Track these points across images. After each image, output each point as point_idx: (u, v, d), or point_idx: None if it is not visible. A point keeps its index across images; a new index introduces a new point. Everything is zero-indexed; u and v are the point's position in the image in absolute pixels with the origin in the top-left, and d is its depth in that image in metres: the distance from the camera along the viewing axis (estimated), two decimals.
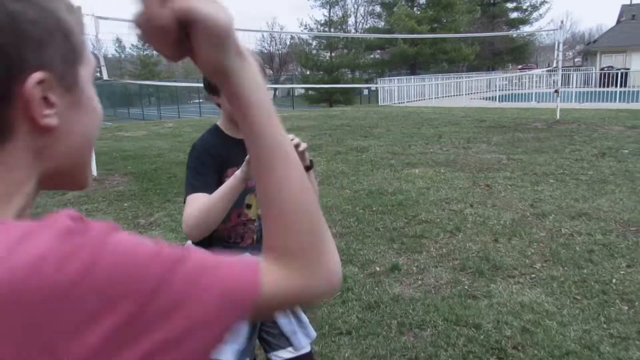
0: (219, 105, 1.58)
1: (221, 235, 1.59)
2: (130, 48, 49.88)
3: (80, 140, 0.52)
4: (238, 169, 1.41)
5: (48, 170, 0.50)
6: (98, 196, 5.75)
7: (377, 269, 3.50)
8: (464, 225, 4.38)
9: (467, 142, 9.00)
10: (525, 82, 23.14)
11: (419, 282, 3.28)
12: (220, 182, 1.47)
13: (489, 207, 4.93)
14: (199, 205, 1.42)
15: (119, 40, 47.53)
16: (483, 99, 22.09)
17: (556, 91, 11.33)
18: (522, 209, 4.82)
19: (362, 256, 3.74)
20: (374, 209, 4.99)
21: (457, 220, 4.51)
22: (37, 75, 0.45)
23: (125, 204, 5.42)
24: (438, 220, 4.55)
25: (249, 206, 1.60)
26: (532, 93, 19.17)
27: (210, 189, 1.44)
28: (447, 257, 3.68)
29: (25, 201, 0.49)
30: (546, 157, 7.19)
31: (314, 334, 1.72)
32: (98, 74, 7.57)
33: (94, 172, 6.72)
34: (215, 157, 1.54)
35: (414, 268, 3.49)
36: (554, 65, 11.29)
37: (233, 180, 1.40)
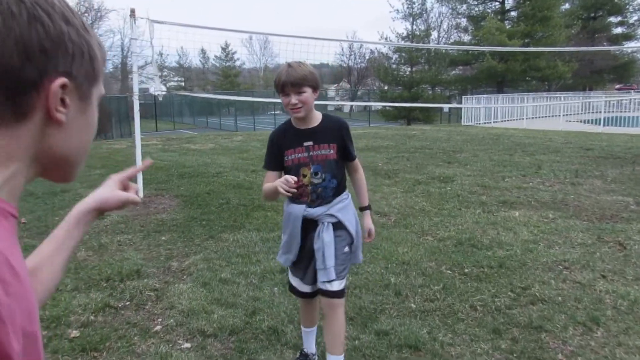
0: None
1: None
2: (213, 59, 51.35)
3: (77, 142, 0.66)
4: (293, 150, 2.27)
5: (44, 156, 0.63)
6: (137, 225, 4.98)
7: None
8: (602, 311, 3.08)
9: (575, 177, 7.47)
10: (625, 104, 20.64)
11: None
12: (282, 158, 2.30)
13: (630, 280, 3.57)
14: (264, 187, 2.30)
15: (203, 52, 48.98)
16: (581, 121, 19.82)
17: None
18: None
19: (454, 359, 2.57)
20: (466, 270, 3.79)
21: (587, 302, 3.21)
22: (63, 79, 0.60)
23: (163, 238, 4.60)
24: (559, 298, 3.27)
25: (304, 175, 2.27)
26: None
27: (270, 164, 2.34)
28: None
29: (15, 173, 0.61)
30: None
31: (332, 276, 2.25)
32: (163, 85, 6.99)
33: (140, 193, 6.02)
34: (276, 144, 2.33)
35: None
36: None
37: (270, 191, 2.24)
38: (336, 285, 2.27)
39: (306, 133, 2.27)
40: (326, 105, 31.66)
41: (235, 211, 5.46)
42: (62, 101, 0.60)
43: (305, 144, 2.26)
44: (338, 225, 2.30)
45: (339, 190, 2.33)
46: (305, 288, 2.43)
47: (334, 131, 2.30)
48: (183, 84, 50.51)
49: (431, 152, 10.50)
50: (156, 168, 8.25)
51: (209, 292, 3.36)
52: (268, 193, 2.25)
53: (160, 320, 3.03)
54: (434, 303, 3.22)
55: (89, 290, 3.42)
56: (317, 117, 2.29)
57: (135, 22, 5.41)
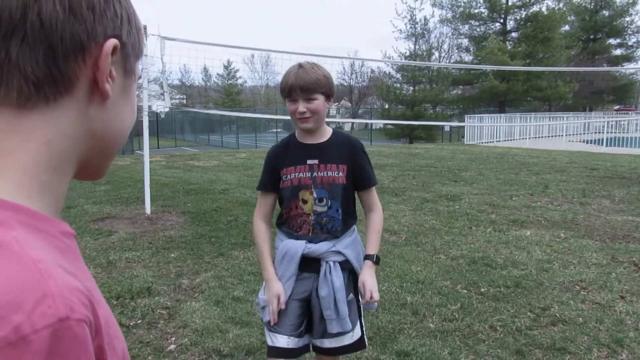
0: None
1: (286, 222, 1.91)
2: (215, 77, 51.70)
3: (118, 126, 0.55)
4: (294, 167, 1.86)
5: (85, 145, 0.51)
6: (145, 242, 4.93)
7: None
8: (624, 333, 3.01)
9: (583, 196, 7.44)
10: (625, 125, 20.80)
11: None
12: (278, 178, 1.88)
13: None
14: (256, 227, 1.93)
15: (205, 69, 49.39)
16: (583, 141, 19.87)
17: None
18: None
19: None
20: (483, 290, 3.73)
21: (609, 323, 3.15)
22: (114, 41, 0.49)
23: (172, 255, 4.54)
24: (580, 320, 3.21)
25: (304, 201, 1.85)
26: None
27: (267, 185, 1.92)
28: None
29: (64, 175, 0.50)
30: None
31: (349, 326, 1.84)
32: (163, 101, 7.00)
33: (147, 210, 5.98)
34: (274, 160, 1.92)
35: None
36: None
37: (262, 267, 1.88)
38: (356, 334, 1.91)
39: (311, 149, 1.86)
40: (327, 123, 31.79)
41: (244, 228, 5.41)
42: (109, 73, 0.50)
43: (309, 162, 1.85)
44: (344, 265, 1.88)
45: (348, 223, 1.91)
46: (293, 342, 1.88)
47: (346, 150, 1.88)
48: (185, 101, 50.78)
49: (436, 170, 10.49)
50: (162, 184, 8.23)
51: (223, 311, 3.29)
52: (256, 243, 1.93)
53: (173, 339, 2.96)
54: (453, 323, 3.16)
55: None
56: (326, 132, 1.90)
57: (146, 39, 5.43)
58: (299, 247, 1.83)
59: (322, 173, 1.84)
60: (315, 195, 1.84)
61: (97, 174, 0.58)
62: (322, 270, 1.83)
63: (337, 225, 1.86)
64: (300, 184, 1.84)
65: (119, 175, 9.52)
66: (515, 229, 5.55)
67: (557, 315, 3.27)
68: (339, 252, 1.85)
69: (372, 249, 1.89)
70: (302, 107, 1.77)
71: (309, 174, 1.84)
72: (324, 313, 1.82)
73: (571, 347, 2.84)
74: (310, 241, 1.85)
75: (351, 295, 1.89)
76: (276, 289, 1.80)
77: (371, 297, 1.82)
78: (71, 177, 0.53)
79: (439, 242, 4.99)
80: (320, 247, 1.83)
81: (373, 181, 1.94)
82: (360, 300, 1.88)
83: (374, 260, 1.87)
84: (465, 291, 3.72)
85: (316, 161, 1.85)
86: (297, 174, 1.84)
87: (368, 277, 1.84)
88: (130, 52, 0.53)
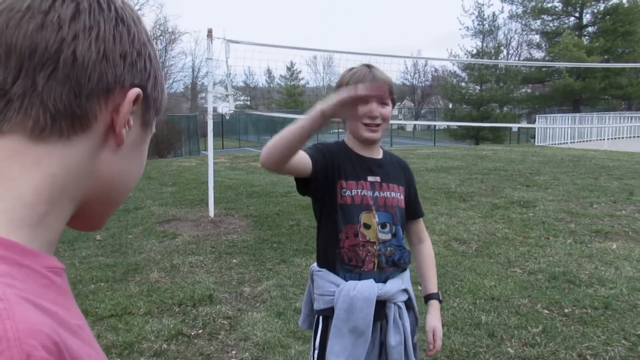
0: (343, 122, 1.59)
1: (341, 257, 1.52)
2: (279, 79, 52.43)
3: (125, 175, 0.55)
4: (356, 183, 1.52)
5: (88, 187, 0.51)
6: (208, 246, 4.92)
7: None
8: None
9: None
10: None
11: None
12: (330, 190, 1.52)
13: None
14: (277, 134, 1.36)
15: (269, 71, 50.20)
16: None
17: None
18: None
19: None
20: (567, 310, 3.38)
21: None
22: (138, 90, 0.50)
23: (234, 260, 4.49)
24: None
25: (367, 226, 1.53)
26: None
27: (314, 154, 1.48)
28: None
29: (60, 212, 0.48)
30: None
31: None
32: (228, 103, 7.03)
33: (211, 212, 6.00)
34: (335, 159, 1.53)
35: None
36: None
37: (312, 114, 1.24)
38: None
39: (371, 164, 1.59)
40: (390, 124, 31.33)
41: (306, 234, 5.29)
42: (127, 121, 0.51)
43: (370, 178, 1.56)
44: (408, 304, 1.63)
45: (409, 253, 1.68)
46: None
47: (402, 170, 1.68)
48: (249, 102, 51.89)
49: (506, 174, 9.94)
50: (225, 186, 8.30)
51: (285, 324, 3.17)
52: (292, 132, 1.31)
53: (234, 352, 2.87)
54: (535, 349, 2.86)
55: (161, 315, 3.34)
56: (379, 148, 1.67)
57: (212, 42, 5.44)
58: (369, 289, 1.48)
59: (384, 193, 1.57)
60: (377, 219, 1.53)
61: (93, 223, 0.57)
62: (392, 315, 1.53)
63: (405, 257, 1.59)
64: (363, 203, 1.53)
65: (185, 177, 9.72)
66: (599, 240, 5.08)
67: None
68: (405, 291, 1.59)
69: (435, 286, 1.67)
70: (376, 110, 1.51)
71: (370, 193, 1.54)
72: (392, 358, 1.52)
73: None
74: (377, 279, 1.52)
75: (415, 338, 1.66)
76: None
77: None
78: (70, 216, 0.51)
79: (513, 254, 4.63)
80: (392, 287, 1.53)
81: (422, 211, 1.76)
82: (427, 349, 1.63)
83: (439, 298, 1.67)
84: (546, 311, 3.39)
85: (378, 179, 1.57)
86: (359, 190, 1.54)
87: (438, 323, 1.62)
88: (151, 105, 0.55)
